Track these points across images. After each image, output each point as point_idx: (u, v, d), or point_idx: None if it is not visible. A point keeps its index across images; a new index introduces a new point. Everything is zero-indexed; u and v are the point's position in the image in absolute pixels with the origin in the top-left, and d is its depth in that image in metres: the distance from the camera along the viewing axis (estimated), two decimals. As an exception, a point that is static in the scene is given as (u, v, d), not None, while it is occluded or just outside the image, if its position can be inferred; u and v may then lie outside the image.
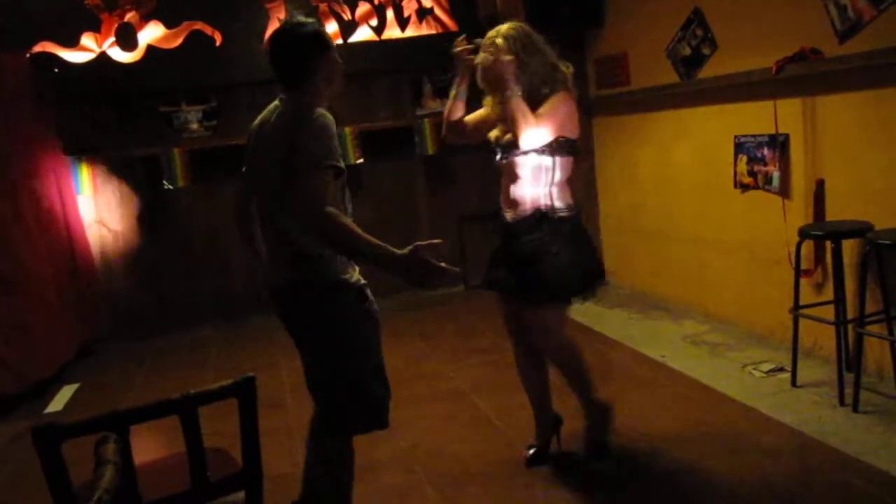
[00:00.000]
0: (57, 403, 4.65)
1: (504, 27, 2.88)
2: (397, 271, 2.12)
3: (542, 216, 2.90)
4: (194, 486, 1.65)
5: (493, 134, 3.04)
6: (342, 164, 2.25)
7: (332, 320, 2.35)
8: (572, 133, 2.91)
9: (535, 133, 2.77)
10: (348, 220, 2.18)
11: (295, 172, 2.18)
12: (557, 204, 2.92)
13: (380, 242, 2.14)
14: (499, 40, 2.82)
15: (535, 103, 2.83)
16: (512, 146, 2.87)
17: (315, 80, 2.36)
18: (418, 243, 2.12)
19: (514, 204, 2.95)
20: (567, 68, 2.93)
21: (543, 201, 2.91)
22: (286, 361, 4.63)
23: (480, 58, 2.88)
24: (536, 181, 2.90)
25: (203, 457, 1.54)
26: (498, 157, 2.98)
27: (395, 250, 2.12)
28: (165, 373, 5.05)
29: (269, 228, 2.45)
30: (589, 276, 3.04)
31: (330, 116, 2.28)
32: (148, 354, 5.51)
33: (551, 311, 2.96)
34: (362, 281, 2.44)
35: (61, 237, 5.44)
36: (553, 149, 2.85)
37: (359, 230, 2.16)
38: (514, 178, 2.93)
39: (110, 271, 5.89)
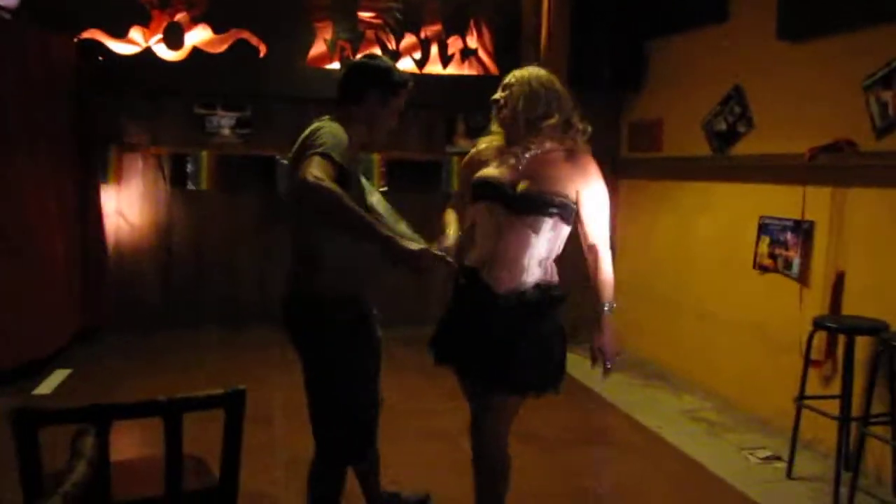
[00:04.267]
0: (46, 387, 4.62)
1: (518, 73, 2.55)
2: (390, 252, 2.14)
3: (542, 293, 2.47)
4: (167, 493, 1.61)
5: (492, 172, 2.49)
6: (340, 161, 2.22)
7: (321, 337, 2.36)
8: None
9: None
10: (338, 189, 2.12)
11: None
12: (555, 280, 2.52)
13: (374, 221, 2.18)
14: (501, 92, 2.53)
15: (550, 159, 2.49)
16: (525, 199, 2.41)
17: (360, 108, 2.46)
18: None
19: (509, 271, 2.44)
20: (585, 126, 2.54)
21: (545, 275, 2.48)
22: (279, 376, 4.58)
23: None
24: (546, 249, 2.46)
25: (180, 465, 1.50)
26: (497, 206, 2.44)
27: (391, 234, 2.15)
28: (160, 371, 5.01)
29: (291, 240, 2.51)
30: (559, 371, 2.54)
31: (341, 130, 2.34)
32: (146, 349, 5.48)
33: (514, 403, 2.49)
34: (366, 303, 2.43)
35: (78, 221, 5.46)
36: (568, 217, 2.48)
37: (352, 204, 2.13)
38: (520, 239, 2.43)
39: (121, 262, 5.89)
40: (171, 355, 5.39)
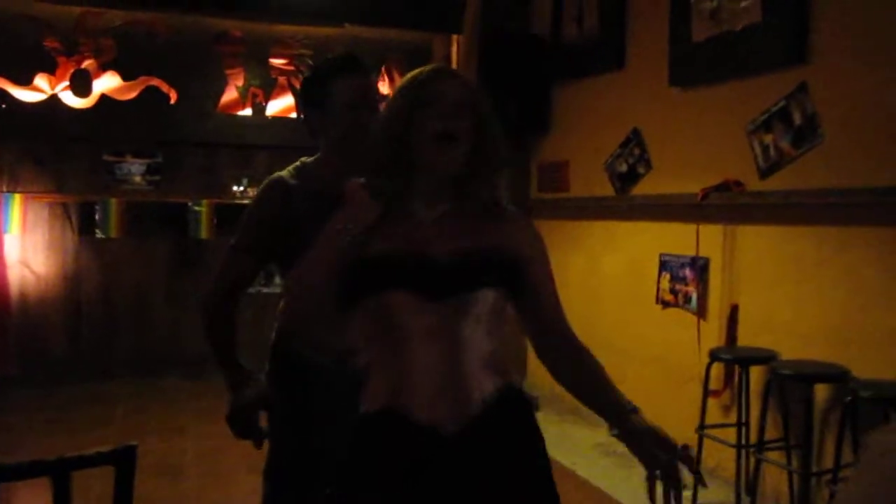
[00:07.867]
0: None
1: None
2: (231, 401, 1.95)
3: (515, 396, 1.64)
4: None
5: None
6: (250, 241, 2.01)
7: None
8: None
9: None
10: (219, 321, 1.99)
11: None
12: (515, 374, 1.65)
13: (234, 365, 1.98)
14: None
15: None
16: (462, 268, 1.52)
17: (316, 137, 2.10)
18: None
19: (458, 388, 1.53)
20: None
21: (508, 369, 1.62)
22: (194, 427, 4.50)
23: None
24: (498, 333, 1.60)
25: (69, 524, 1.49)
26: (417, 291, 1.49)
27: (237, 384, 1.96)
28: (66, 427, 4.85)
29: None
30: None
31: (273, 182, 2.05)
32: (53, 404, 5.30)
33: None
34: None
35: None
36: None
37: (223, 339, 1.99)
38: (461, 331, 1.52)
39: (26, 314, 5.71)
40: (80, 410, 5.22)
